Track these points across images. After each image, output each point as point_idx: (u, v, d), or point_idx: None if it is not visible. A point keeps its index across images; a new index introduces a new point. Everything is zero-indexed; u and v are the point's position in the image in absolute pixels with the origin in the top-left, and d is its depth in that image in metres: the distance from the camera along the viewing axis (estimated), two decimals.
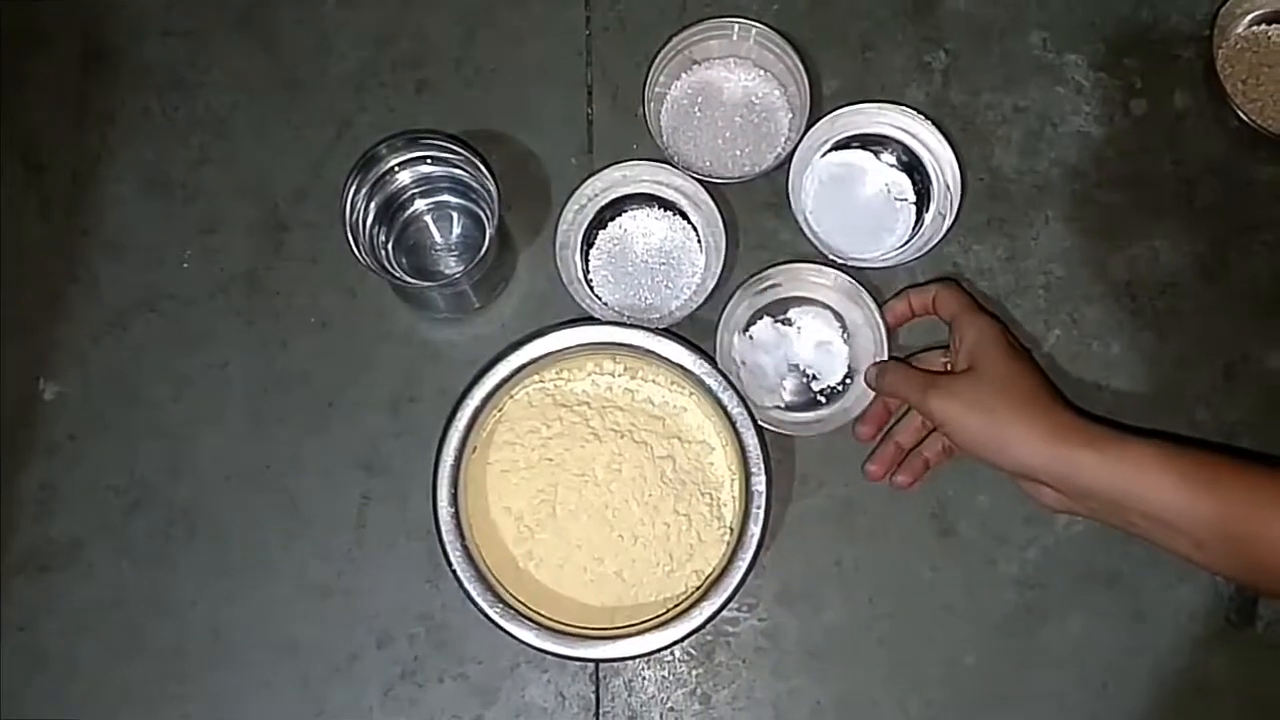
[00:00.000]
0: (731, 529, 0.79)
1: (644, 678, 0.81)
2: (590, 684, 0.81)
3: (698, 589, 0.78)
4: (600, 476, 0.81)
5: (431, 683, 0.81)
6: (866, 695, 0.80)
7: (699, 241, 0.84)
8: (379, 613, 0.82)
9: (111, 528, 0.83)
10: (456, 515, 0.77)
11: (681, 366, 0.79)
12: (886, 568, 0.82)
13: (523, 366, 0.79)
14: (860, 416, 0.82)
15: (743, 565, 0.76)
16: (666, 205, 0.85)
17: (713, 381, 0.79)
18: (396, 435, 0.83)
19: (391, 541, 0.82)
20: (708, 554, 0.79)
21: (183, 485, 0.83)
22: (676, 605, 0.78)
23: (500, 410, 0.81)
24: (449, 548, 0.76)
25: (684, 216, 0.84)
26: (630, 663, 0.80)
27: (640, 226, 0.85)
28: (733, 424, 0.78)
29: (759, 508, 0.77)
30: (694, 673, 0.81)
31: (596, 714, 0.81)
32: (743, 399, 0.79)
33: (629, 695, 0.81)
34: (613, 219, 0.85)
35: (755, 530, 0.77)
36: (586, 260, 0.85)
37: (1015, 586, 0.81)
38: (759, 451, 0.78)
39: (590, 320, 0.81)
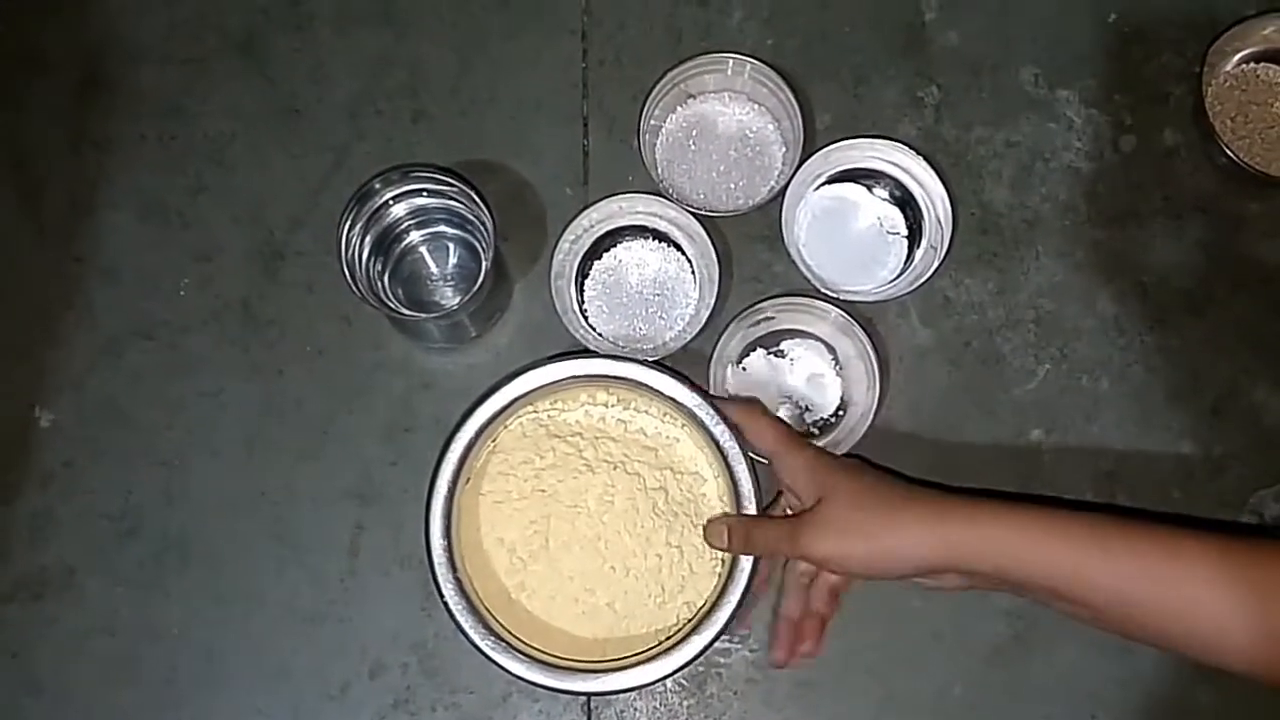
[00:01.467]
0: (723, 561, 0.79)
1: (636, 709, 0.81)
2: (582, 715, 0.81)
3: (689, 621, 0.78)
4: (593, 508, 0.80)
5: (424, 712, 0.81)
6: None
7: (693, 273, 0.85)
8: (372, 641, 0.82)
9: (105, 555, 0.83)
10: (449, 547, 0.77)
11: (674, 399, 0.79)
12: (876, 598, 0.82)
13: (517, 398, 0.79)
14: (772, 642, 0.79)
15: (734, 598, 0.76)
16: (661, 237, 0.85)
17: (704, 414, 0.79)
18: (391, 464, 0.84)
19: (385, 570, 0.83)
20: (699, 586, 0.79)
21: (176, 512, 0.84)
22: (668, 637, 0.78)
23: (494, 441, 0.81)
24: (441, 580, 0.76)
25: (678, 248, 0.85)
26: (623, 694, 0.81)
27: (635, 258, 0.86)
28: (724, 457, 0.78)
29: None
30: (685, 704, 0.81)
31: None
32: (735, 431, 0.79)
33: None
34: (608, 250, 0.86)
35: (746, 564, 0.77)
36: (581, 291, 0.85)
37: (1004, 617, 0.82)
38: (750, 484, 0.78)
39: (585, 352, 0.81)
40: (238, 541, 0.83)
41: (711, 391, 0.81)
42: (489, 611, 0.77)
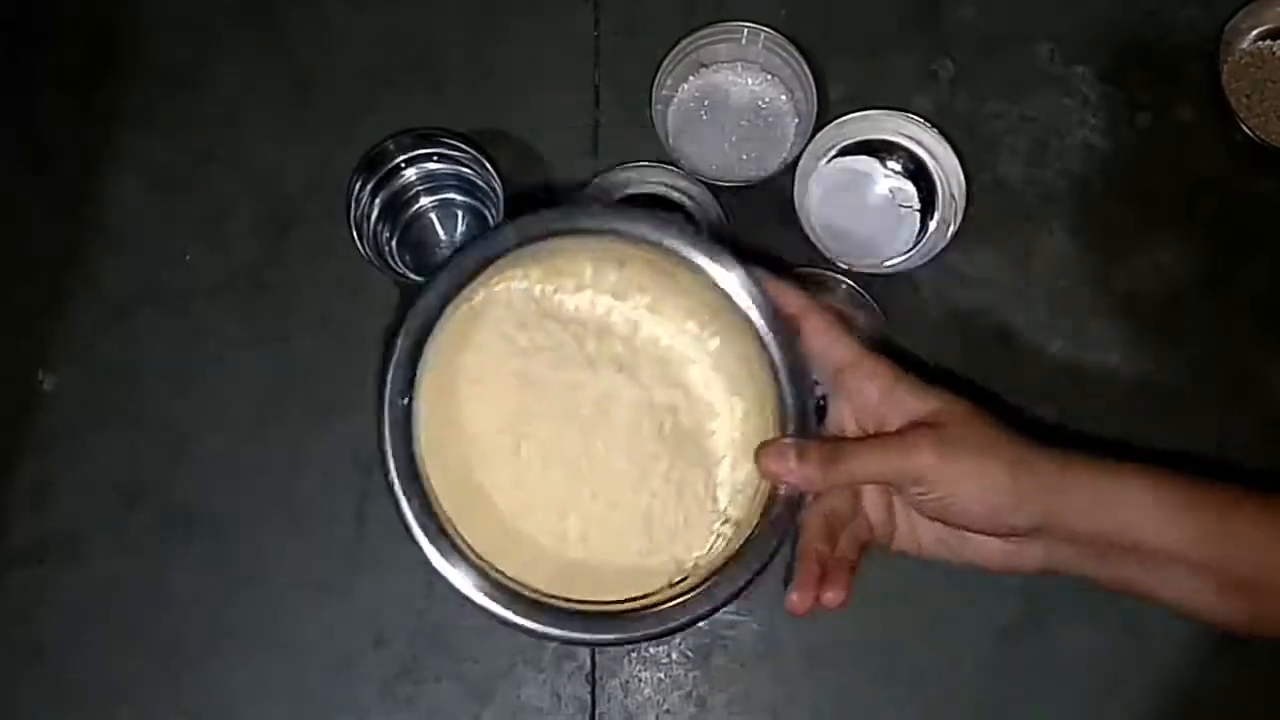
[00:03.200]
0: (727, 517, 0.65)
1: (640, 679, 0.80)
2: (586, 685, 0.80)
3: (681, 580, 0.64)
4: (586, 413, 0.65)
5: (428, 682, 0.80)
6: (865, 701, 0.80)
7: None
8: (377, 611, 0.81)
9: (109, 522, 0.82)
10: (409, 409, 0.61)
11: (717, 286, 0.63)
12: (889, 573, 0.81)
13: (508, 249, 0.63)
14: (789, 581, 0.62)
15: (754, 567, 0.62)
16: (672, 208, 0.84)
17: (757, 316, 0.62)
18: None
19: (390, 539, 0.82)
20: (691, 541, 0.65)
21: (181, 480, 0.83)
22: (644, 595, 0.63)
23: (470, 305, 0.65)
24: (389, 448, 0.61)
25: (689, 219, 0.84)
26: (628, 664, 0.80)
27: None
28: (777, 380, 0.62)
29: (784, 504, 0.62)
30: (691, 675, 0.80)
31: (592, 715, 0.80)
32: (789, 330, 0.63)
33: (625, 697, 0.80)
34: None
35: (774, 535, 0.62)
36: None
37: (1017, 595, 0.81)
38: (805, 416, 0.62)
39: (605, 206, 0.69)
40: (243, 510, 0.83)
41: None
42: (445, 515, 0.62)
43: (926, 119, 0.83)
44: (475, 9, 0.89)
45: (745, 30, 0.84)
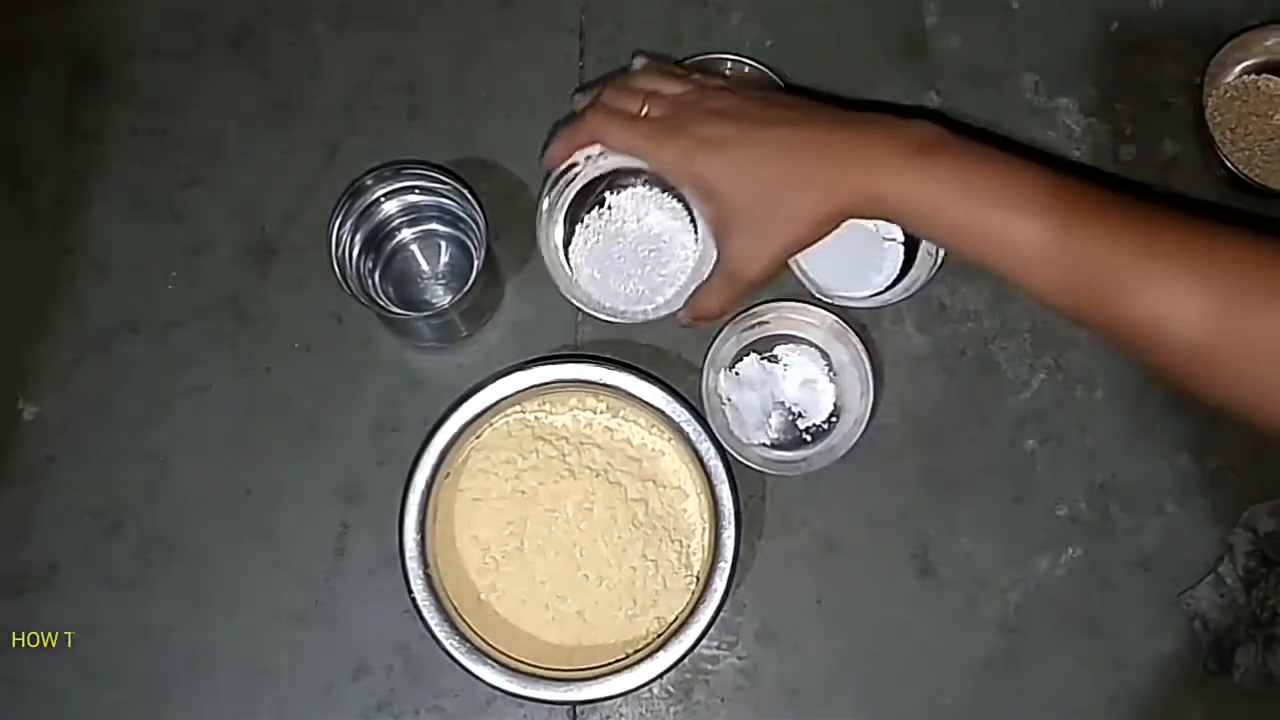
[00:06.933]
0: (698, 578, 0.79)
1: (622, 714, 0.80)
2: (567, 719, 0.80)
3: (658, 636, 0.78)
4: (571, 514, 0.80)
5: (407, 714, 0.80)
6: None
7: (693, 224, 0.80)
8: (356, 643, 0.81)
9: (88, 551, 0.82)
10: (422, 541, 0.77)
11: (662, 412, 0.79)
12: (867, 608, 0.82)
13: (504, 398, 0.79)
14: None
15: (704, 618, 0.76)
16: (665, 187, 0.81)
17: (691, 430, 0.79)
18: (378, 463, 0.83)
19: (370, 570, 0.82)
20: (672, 602, 0.79)
21: (161, 509, 0.83)
22: (636, 651, 0.78)
23: (478, 437, 0.81)
24: (411, 576, 0.77)
25: (679, 199, 0.81)
26: (595, 703, 0.80)
27: (634, 209, 0.81)
28: (708, 475, 0.79)
29: (726, 562, 0.77)
30: (672, 710, 0.80)
31: None
32: (720, 450, 0.79)
33: None
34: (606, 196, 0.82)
35: (720, 585, 0.77)
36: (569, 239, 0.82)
37: (995, 629, 0.81)
38: (731, 505, 0.78)
39: (574, 357, 0.81)
40: (223, 540, 0.83)
41: (704, 397, 0.80)
42: (456, 611, 0.77)
43: None
44: (460, 36, 0.89)
45: (730, 62, 0.84)
